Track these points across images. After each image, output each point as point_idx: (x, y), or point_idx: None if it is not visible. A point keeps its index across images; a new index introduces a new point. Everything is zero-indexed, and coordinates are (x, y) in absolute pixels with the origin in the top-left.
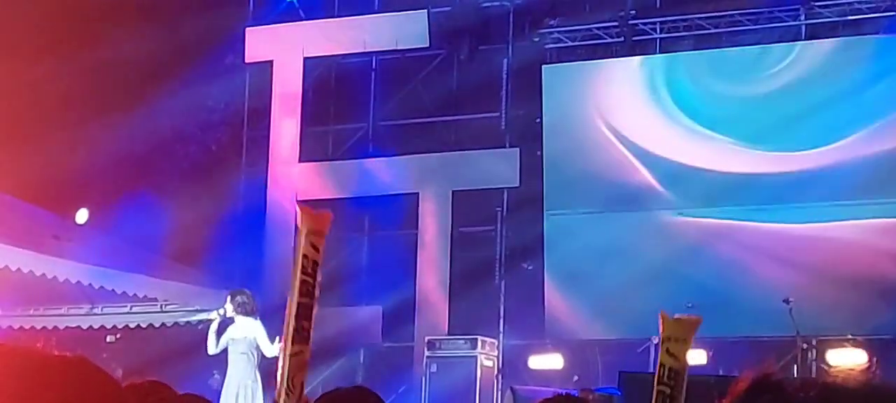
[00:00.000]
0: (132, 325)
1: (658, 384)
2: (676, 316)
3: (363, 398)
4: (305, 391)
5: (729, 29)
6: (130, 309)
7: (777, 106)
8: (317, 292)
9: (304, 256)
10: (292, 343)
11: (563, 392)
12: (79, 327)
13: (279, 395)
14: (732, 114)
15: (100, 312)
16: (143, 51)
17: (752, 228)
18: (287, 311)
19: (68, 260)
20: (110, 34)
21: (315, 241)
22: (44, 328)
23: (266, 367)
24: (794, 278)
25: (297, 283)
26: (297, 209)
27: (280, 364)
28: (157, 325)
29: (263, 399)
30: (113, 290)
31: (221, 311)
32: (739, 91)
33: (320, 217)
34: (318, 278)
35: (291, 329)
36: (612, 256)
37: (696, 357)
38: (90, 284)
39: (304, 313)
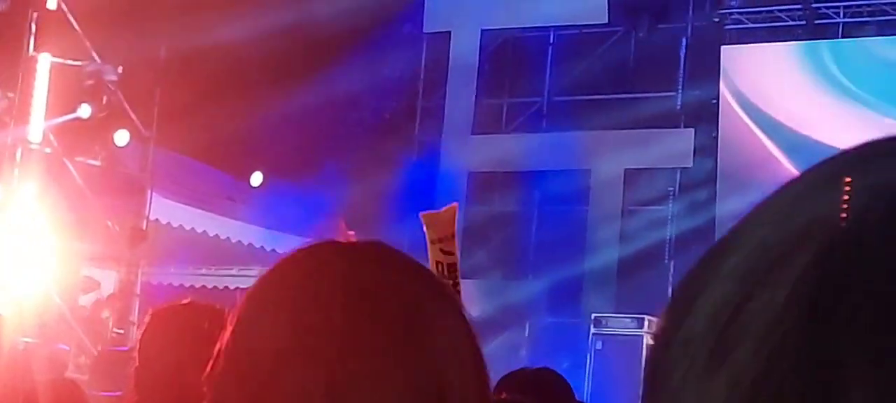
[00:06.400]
0: None
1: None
2: (431, 212)
3: (550, 380)
4: None
5: None
6: None
7: None
8: (459, 289)
9: (437, 263)
10: None
11: None
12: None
13: None
14: None
15: None
16: (322, 16)
17: None
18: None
19: (241, 221)
20: None
21: (444, 247)
22: (214, 287)
23: None
24: None
25: (437, 264)
26: (421, 219)
27: None
28: None
29: None
30: (283, 254)
31: None
32: None
33: (444, 218)
34: (458, 276)
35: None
36: None
37: None
38: (262, 246)
39: None
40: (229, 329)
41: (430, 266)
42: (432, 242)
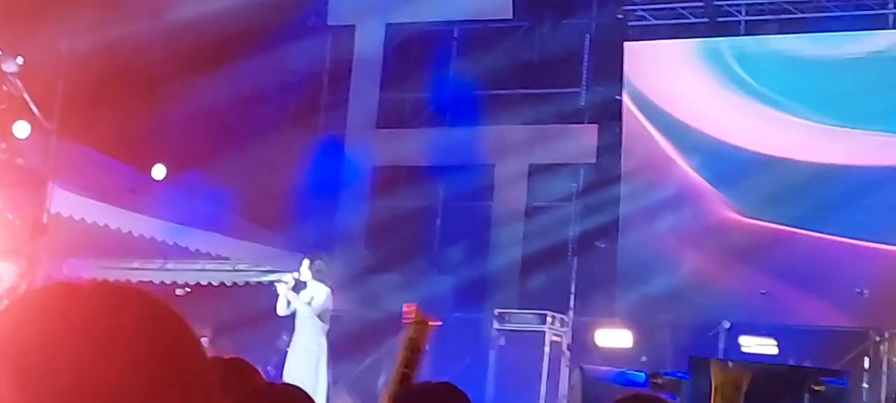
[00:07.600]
0: (203, 283)
1: None
2: (727, 367)
3: (448, 394)
4: (372, 357)
5: (815, 14)
6: (202, 267)
7: (869, 76)
8: (415, 373)
9: (408, 358)
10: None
11: (635, 378)
12: (151, 282)
13: None
14: (819, 88)
15: (171, 268)
16: (226, 9)
17: (825, 241)
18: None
19: (143, 214)
20: None
21: (416, 345)
22: (116, 281)
23: (336, 335)
24: (870, 271)
25: (400, 373)
26: (408, 312)
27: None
28: (228, 284)
29: (327, 365)
30: (186, 247)
31: (296, 274)
32: (829, 58)
33: (425, 327)
34: (418, 370)
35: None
36: (686, 242)
37: (767, 346)
38: (163, 240)
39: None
40: None
41: (399, 354)
42: (408, 338)
